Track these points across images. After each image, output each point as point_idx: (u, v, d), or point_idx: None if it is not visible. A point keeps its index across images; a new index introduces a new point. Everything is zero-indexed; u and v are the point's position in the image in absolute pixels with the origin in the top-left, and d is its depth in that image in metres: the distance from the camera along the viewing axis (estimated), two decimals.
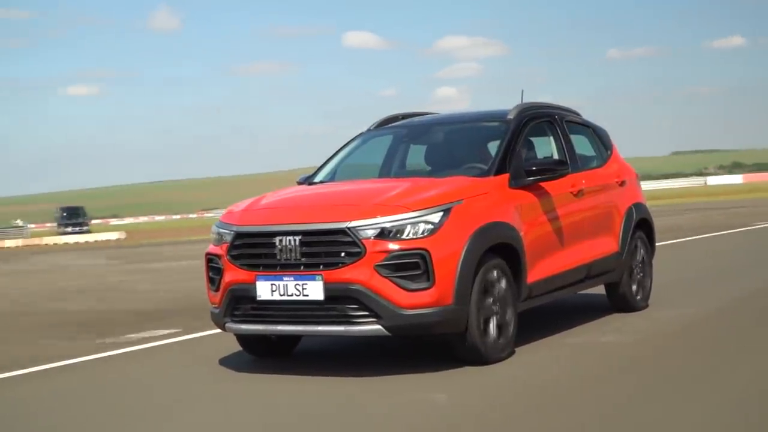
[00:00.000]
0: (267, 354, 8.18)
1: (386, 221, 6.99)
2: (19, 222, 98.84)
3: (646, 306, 9.92)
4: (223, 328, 7.63)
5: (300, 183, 8.99)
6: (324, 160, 9.25)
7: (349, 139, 9.45)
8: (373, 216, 7.02)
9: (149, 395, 7.17)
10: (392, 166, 9.02)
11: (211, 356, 8.43)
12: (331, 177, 8.90)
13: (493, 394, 6.53)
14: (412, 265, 6.92)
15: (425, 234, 7.00)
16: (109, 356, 8.95)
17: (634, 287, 9.74)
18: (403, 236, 6.97)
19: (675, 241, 20.10)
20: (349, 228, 6.97)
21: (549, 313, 9.75)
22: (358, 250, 6.93)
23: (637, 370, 7.01)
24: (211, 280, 7.72)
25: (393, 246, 6.93)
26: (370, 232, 6.95)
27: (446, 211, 7.13)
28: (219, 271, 7.55)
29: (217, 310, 7.63)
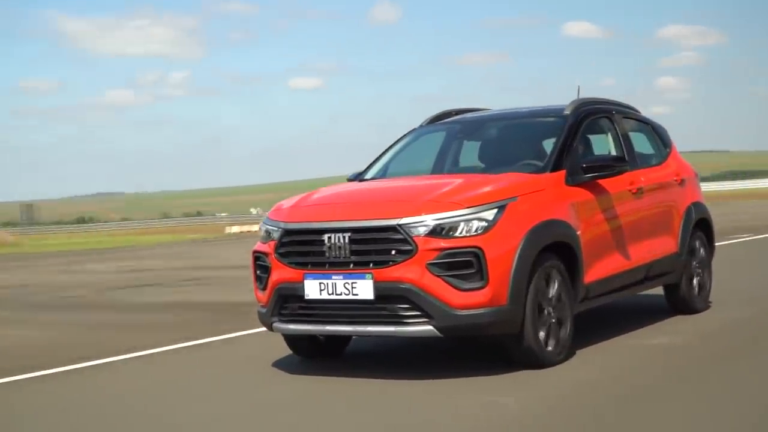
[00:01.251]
0: (316, 355, 7.98)
1: (439, 218, 6.76)
2: (253, 210, 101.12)
3: (707, 307, 9.60)
4: (270, 328, 7.44)
5: (351, 180, 8.79)
6: (375, 157, 9.03)
7: (401, 135, 9.22)
8: (425, 213, 6.80)
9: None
10: (445, 163, 8.79)
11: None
12: (383, 174, 8.69)
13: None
14: (465, 264, 6.70)
15: (479, 232, 6.77)
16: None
17: (693, 288, 9.43)
18: (456, 234, 6.75)
19: None
20: (400, 225, 6.76)
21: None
22: (410, 247, 6.71)
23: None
24: (258, 279, 7.54)
25: (445, 244, 6.70)
26: (422, 230, 6.74)
27: (501, 208, 6.90)
28: (266, 270, 7.37)
29: (264, 310, 7.45)
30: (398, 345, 8.38)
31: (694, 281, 9.44)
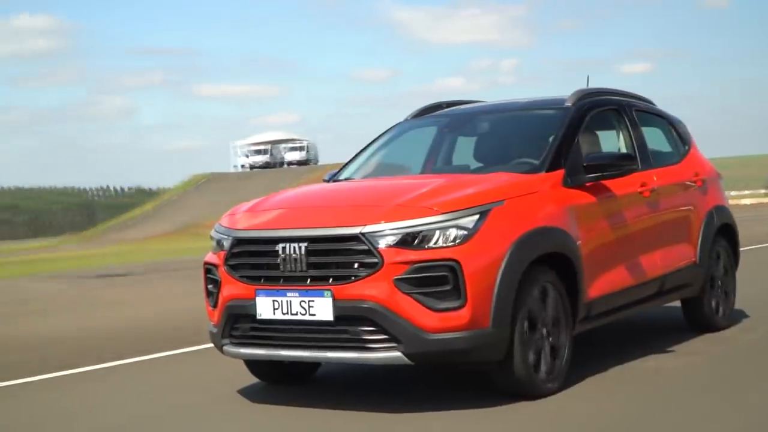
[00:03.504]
0: (280, 381, 7.02)
1: (409, 226, 5.77)
2: None
3: (730, 324, 8.54)
4: (221, 350, 6.48)
5: (326, 181, 7.80)
6: (355, 153, 8.04)
7: (384, 130, 8.21)
8: (394, 219, 5.81)
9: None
10: (434, 162, 7.80)
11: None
12: (359, 174, 7.70)
13: None
14: (440, 280, 5.70)
15: (457, 242, 5.76)
16: None
17: (714, 303, 8.38)
18: (430, 244, 5.75)
19: None
20: (363, 234, 5.77)
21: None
22: (375, 260, 5.72)
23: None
24: (209, 294, 6.58)
25: (416, 256, 5.71)
26: (390, 239, 5.75)
27: (483, 214, 5.89)
28: (217, 284, 6.41)
29: (215, 330, 6.49)
30: (374, 368, 7.36)
31: (715, 295, 8.40)
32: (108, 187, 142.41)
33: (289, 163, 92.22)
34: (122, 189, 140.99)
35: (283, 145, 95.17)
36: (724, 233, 8.63)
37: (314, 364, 7.12)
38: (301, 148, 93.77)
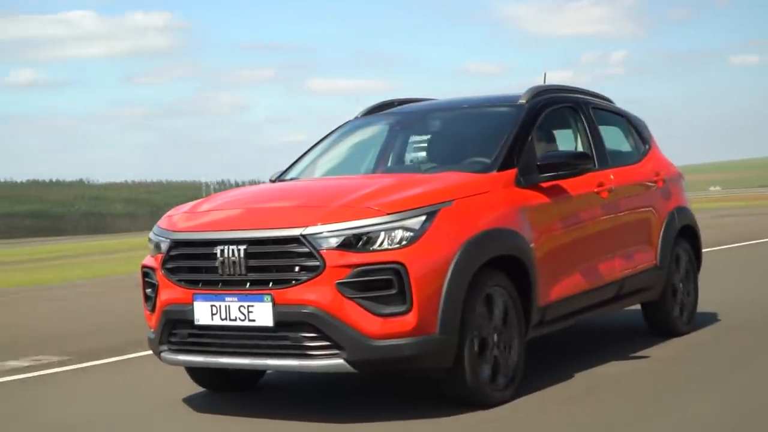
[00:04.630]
0: (223, 388, 6.75)
1: (352, 227, 5.52)
2: (717, 188, 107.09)
3: (691, 329, 8.33)
4: (159, 357, 6.21)
5: (272, 181, 7.54)
6: (302, 152, 7.78)
7: (333, 128, 7.96)
8: (336, 220, 5.56)
9: None
10: (385, 162, 7.56)
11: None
12: (307, 174, 7.44)
13: None
14: (384, 284, 5.46)
15: (402, 243, 5.52)
16: None
17: (676, 307, 8.17)
18: (374, 246, 5.51)
19: None
20: (304, 235, 5.52)
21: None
22: (316, 263, 5.47)
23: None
24: (147, 298, 6.32)
25: (359, 259, 5.47)
26: (332, 241, 5.50)
27: (430, 215, 5.65)
28: (155, 288, 6.14)
29: (153, 336, 6.22)
30: (323, 375, 7.07)
31: (677, 298, 8.19)
32: (223, 181, 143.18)
33: None
34: (236, 182, 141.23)
35: None
36: (685, 235, 8.43)
37: (258, 371, 6.86)
38: None
